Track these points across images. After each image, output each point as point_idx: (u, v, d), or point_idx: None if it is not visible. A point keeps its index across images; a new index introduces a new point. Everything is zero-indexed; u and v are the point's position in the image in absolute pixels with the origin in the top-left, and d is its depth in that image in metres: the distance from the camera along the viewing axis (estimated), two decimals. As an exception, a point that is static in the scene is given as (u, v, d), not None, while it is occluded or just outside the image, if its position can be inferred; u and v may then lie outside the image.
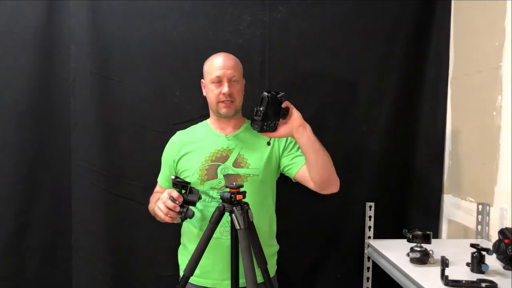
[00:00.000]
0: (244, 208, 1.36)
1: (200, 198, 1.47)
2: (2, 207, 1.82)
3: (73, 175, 1.85)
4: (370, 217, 1.82)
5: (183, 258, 1.60)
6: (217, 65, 1.55)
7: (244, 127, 1.65)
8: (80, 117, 1.84)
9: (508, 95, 1.52)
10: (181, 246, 1.66)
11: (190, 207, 1.42)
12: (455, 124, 1.86)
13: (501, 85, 1.56)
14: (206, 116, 1.70)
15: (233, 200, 1.35)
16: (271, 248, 1.63)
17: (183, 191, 1.44)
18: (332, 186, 1.54)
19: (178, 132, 1.69)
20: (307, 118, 1.87)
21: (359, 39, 1.89)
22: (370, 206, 1.84)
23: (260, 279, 1.45)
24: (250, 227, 1.36)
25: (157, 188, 1.70)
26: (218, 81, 1.54)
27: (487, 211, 1.58)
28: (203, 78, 1.64)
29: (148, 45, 1.84)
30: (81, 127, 1.84)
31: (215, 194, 1.53)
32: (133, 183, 1.86)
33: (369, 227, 1.82)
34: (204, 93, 1.63)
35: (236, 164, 1.55)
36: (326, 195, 1.74)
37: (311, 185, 1.54)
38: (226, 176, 1.54)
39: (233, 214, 1.34)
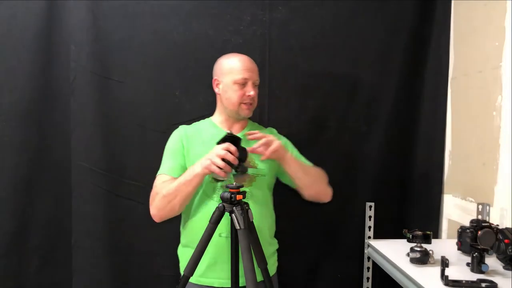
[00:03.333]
0: (244, 208, 1.36)
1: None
2: (2, 207, 1.82)
3: (73, 175, 1.85)
4: (370, 217, 1.82)
5: (184, 258, 1.59)
6: (243, 67, 1.54)
7: (249, 127, 1.65)
8: (80, 117, 1.84)
9: (508, 95, 1.52)
10: (180, 246, 1.64)
11: None
12: (455, 124, 1.86)
13: (501, 85, 1.56)
14: (207, 115, 1.69)
15: (233, 200, 1.34)
16: (273, 247, 1.64)
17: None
18: (323, 199, 1.63)
19: (181, 126, 1.65)
20: (307, 118, 1.89)
21: (359, 39, 1.89)
22: (370, 206, 1.84)
23: (260, 278, 1.45)
24: (250, 227, 1.36)
25: (166, 178, 1.55)
26: (243, 83, 1.54)
27: (487, 211, 1.58)
28: (216, 76, 1.59)
29: (148, 45, 1.84)
30: (81, 127, 1.84)
31: None
32: (133, 183, 1.86)
33: (369, 227, 1.82)
34: (218, 91, 1.59)
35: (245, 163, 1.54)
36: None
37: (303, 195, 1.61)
38: (235, 175, 1.51)
39: (233, 214, 1.34)
